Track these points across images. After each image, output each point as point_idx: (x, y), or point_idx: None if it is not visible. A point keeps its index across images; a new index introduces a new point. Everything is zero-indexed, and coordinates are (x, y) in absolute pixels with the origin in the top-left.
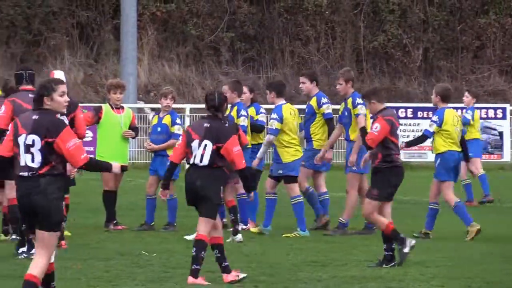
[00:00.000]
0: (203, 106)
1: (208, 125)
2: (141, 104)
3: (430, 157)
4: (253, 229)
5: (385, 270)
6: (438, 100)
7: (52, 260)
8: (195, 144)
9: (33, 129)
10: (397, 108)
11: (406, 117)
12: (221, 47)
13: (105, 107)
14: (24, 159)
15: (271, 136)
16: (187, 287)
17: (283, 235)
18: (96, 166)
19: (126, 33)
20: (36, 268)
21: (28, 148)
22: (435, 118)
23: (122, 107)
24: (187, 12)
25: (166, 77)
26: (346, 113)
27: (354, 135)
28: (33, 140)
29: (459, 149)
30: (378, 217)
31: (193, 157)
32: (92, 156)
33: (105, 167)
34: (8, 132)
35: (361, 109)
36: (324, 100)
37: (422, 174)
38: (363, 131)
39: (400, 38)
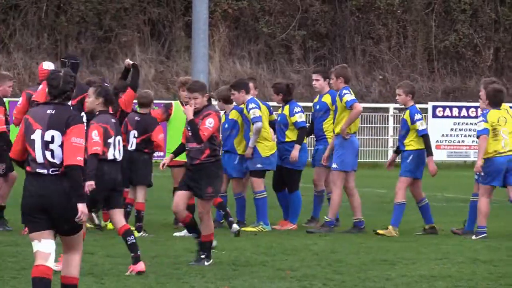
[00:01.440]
0: (275, 103)
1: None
2: (212, 102)
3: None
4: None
5: (454, 269)
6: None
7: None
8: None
9: (50, 124)
10: (468, 108)
11: (476, 117)
12: (292, 45)
13: (175, 104)
14: (43, 155)
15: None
16: (247, 283)
17: (243, 229)
18: (78, 177)
19: (197, 30)
20: (75, 268)
21: (47, 145)
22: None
23: None
24: (259, 9)
25: (237, 74)
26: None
27: (338, 128)
28: (52, 136)
29: None
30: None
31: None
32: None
33: (80, 185)
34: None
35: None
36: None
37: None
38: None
39: (471, 38)
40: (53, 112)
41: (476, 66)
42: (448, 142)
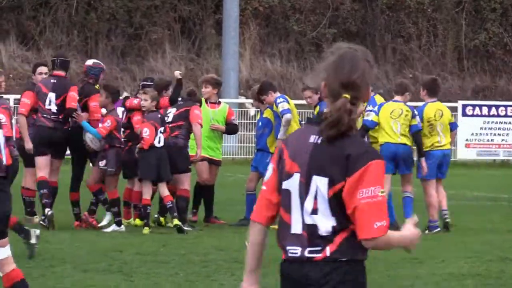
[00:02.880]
0: (304, 102)
1: None
2: (242, 99)
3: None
4: None
5: (483, 267)
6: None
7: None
8: None
9: None
10: (497, 107)
11: (506, 115)
12: (323, 43)
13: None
14: None
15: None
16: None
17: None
18: None
19: (228, 28)
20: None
21: None
22: None
23: (219, 102)
24: (290, 7)
25: (268, 72)
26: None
27: None
28: None
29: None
30: None
31: None
32: None
33: None
34: None
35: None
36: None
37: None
38: None
39: (501, 37)
40: None
41: (506, 65)
42: (478, 140)
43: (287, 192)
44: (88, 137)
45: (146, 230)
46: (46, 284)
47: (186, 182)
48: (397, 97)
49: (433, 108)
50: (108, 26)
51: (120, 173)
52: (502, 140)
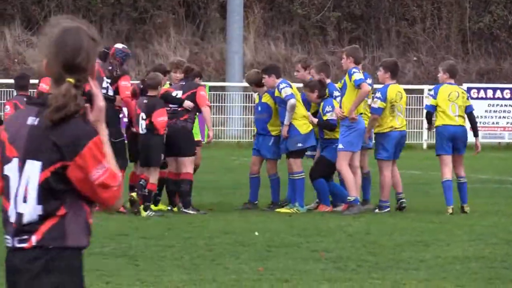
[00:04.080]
0: None
1: None
2: (246, 83)
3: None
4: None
5: (488, 250)
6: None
7: None
8: None
9: None
10: (502, 89)
11: (511, 98)
12: (327, 26)
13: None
14: None
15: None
16: (282, 264)
17: (277, 210)
18: None
19: (232, 12)
20: None
21: None
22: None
23: None
24: None
25: (272, 55)
26: None
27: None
28: None
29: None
30: None
31: None
32: None
33: None
34: None
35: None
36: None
37: None
38: None
39: (506, 19)
40: None
41: (511, 47)
42: (483, 123)
43: (7, 178)
44: None
45: (143, 213)
46: None
47: (190, 166)
48: (450, 80)
49: (394, 90)
50: (113, 10)
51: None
52: (507, 122)
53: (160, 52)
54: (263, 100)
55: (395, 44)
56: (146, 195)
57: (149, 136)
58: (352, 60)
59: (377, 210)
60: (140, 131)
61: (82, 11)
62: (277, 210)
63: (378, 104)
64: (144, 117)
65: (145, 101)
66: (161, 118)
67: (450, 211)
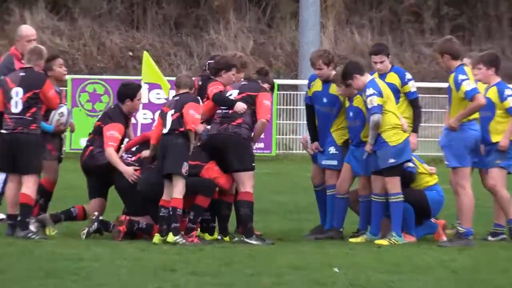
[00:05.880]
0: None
1: None
2: None
3: None
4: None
5: None
6: None
7: None
8: None
9: None
10: None
11: None
12: (424, 12)
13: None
14: None
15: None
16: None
17: (376, 242)
18: None
19: None
20: None
21: None
22: None
23: None
24: None
25: (356, 47)
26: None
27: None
28: None
29: None
30: None
31: None
32: None
33: None
34: None
35: None
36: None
37: None
38: None
39: None
40: None
41: None
42: None
43: None
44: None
45: (171, 237)
46: None
47: (248, 183)
48: None
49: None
50: None
51: None
52: None
53: (217, 42)
54: (355, 103)
55: (508, 34)
56: (170, 215)
57: (171, 137)
58: (449, 57)
59: (490, 238)
60: (164, 131)
61: None
62: (376, 241)
63: (375, 101)
64: (173, 112)
65: (176, 98)
66: (192, 110)
67: None
